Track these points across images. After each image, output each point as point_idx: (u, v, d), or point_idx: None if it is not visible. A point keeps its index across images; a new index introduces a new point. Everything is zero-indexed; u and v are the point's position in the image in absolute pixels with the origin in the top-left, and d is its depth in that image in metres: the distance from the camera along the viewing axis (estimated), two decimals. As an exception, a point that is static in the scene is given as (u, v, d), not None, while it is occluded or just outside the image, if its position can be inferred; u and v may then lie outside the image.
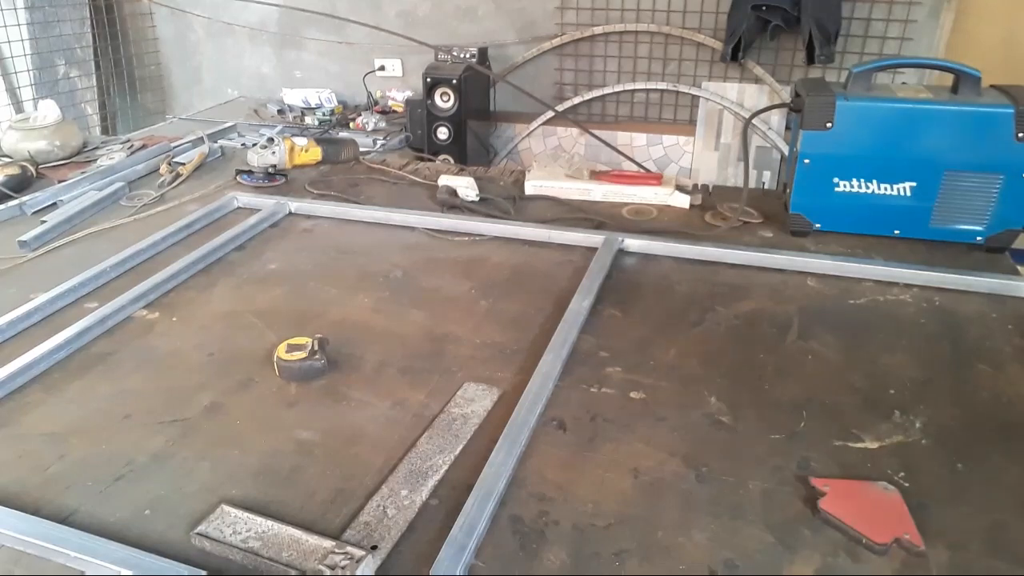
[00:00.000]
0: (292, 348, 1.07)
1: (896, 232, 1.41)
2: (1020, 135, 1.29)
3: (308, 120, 3.47)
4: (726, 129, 3.14)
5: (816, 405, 0.99)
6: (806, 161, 1.40)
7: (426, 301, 1.28)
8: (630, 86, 3.26)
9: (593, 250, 1.39)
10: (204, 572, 0.73)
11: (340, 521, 0.81)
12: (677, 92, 3.22)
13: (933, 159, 1.35)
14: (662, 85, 3.21)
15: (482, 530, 0.78)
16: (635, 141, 3.31)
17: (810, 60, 2.90)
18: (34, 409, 1.02)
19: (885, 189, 1.38)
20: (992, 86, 1.38)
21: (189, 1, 3.82)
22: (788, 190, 1.48)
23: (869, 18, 2.89)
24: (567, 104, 3.35)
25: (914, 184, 1.37)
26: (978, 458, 0.89)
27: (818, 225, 1.44)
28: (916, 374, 1.05)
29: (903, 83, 1.57)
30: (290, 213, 1.66)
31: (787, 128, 3.01)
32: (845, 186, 1.40)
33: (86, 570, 0.75)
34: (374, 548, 0.76)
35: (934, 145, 1.34)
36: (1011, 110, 1.30)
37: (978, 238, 1.38)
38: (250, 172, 1.80)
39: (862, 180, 1.39)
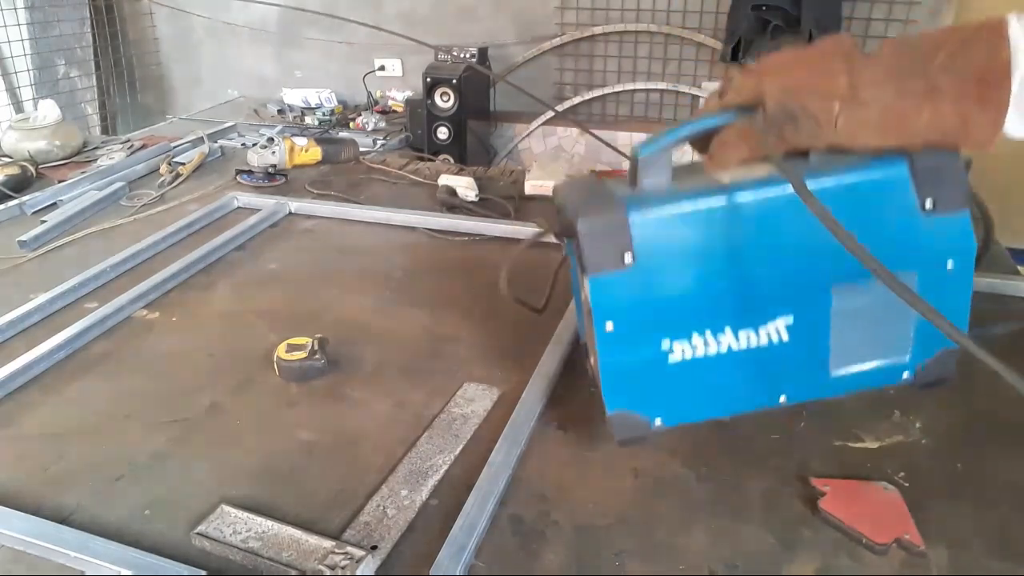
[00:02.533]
0: (292, 348, 1.07)
1: (783, 399, 0.88)
2: (927, 203, 0.77)
3: (308, 120, 3.48)
4: (726, 129, 3.14)
5: (816, 405, 0.99)
6: (608, 327, 0.79)
7: (426, 301, 1.28)
8: (630, 86, 3.26)
9: (593, 250, 1.39)
10: (204, 572, 0.73)
11: (340, 521, 0.81)
12: (677, 92, 3.22)
13: (809, 273, 0.80)
14: (662, 85, 3.21)
15: (482, 530, 0.78)
16: (635, 141, 3.30)
17: (810, 60, 2.90)
18: (34, 409, 1.02)
19: (747, 339, 0.81)
20: None
21: (189, 1, 3.82)
22: (595, 372, 0.87)
23: (869, 18, 2.89)
24: (567, 104, 3.35)
25: (790, 320, 0.81)
26: (978, 458, 0.89)
27: (659, 421, 0.87)
28: (916, 374, 1.05)
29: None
30: (290, 213, 1.66)
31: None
32: (683, 351, 0.81)
33: (86, 570, 0.75)
34: (374, 548, 0.76)
35: (805, 250, 0.79)
36: (904, 167, 0.76)
37: (905, 374, 0.86)
38: (250, 172, 1.80)
39: (707, 334, 0.80)
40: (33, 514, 0.82)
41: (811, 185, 0.73)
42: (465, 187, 1.67)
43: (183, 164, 1.93)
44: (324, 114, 3.46)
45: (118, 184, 1.79)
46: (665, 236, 0.78)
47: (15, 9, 3.41)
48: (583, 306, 0.86)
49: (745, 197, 0.78)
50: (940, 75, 0.70)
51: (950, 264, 0.80)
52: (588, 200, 0.81)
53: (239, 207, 1.69)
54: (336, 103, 3.58)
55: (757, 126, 0.75)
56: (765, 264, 0.80)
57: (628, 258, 0.78)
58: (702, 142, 0.81)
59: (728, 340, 0.82)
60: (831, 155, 0.76)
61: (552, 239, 0.89)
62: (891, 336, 0.84)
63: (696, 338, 0.81)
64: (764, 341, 0.82)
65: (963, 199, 0.77)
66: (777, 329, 0.82)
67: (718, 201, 0.78)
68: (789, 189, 0.75)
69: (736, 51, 2.93)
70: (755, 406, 0.87)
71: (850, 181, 0.77)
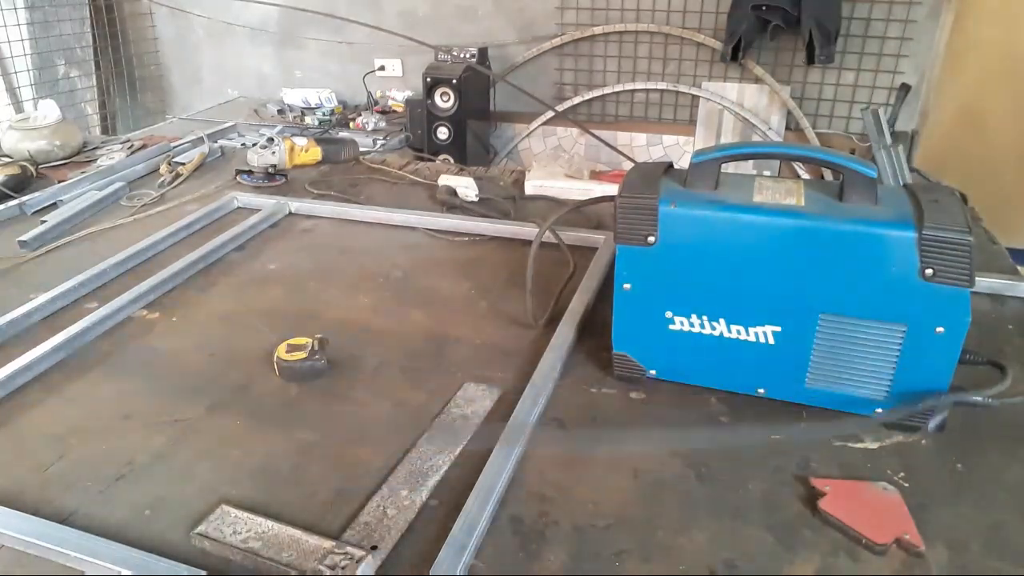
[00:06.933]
0: (292, 348, 1.07)
1: (760, 391, 0.98)
2: (927, 271, 0.84)
3: (308, 120, 3.47)
4: (726, 129, 3.14)
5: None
6: (625, 286, 0.97)
7: (426, 301, 1.28)
8: (630, 86, 3.26)
9: (593, 250, 1.39)
10: (204, 572, 0.73)
11: (340, 521, 0.81)
12: (677, 92, 3.22)
13: (803, 297, 0.90)
14: (662, 85, 3.22)
15: (482, 530, 0.78)
16: (635, 141, 3.31)
17: (810, 60, 2.91)
18: (34, 409, 1.02)
19: (738, 332, 0.95)
20: (905, 185, 0.94)
21: (189, 1, 3.82)
22: None
23: (869, 18, 2.89)
24: (567, 104, 3.35)
25: (778, 329, 0.93)
26: (978, 458, 0.89)
27: (652, 372, 1.02)
28: (916, 374, 1.05)
29: (766, 174, 0.99)
30: (290, 213, 1.66)
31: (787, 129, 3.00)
32: (682, 324, 0.97)
33: (86, 570, 0.75)
34: (374, 548, 0.76)
35: (804, 277, 0.90)
36: (911, 233, 0.83)
37: (877, 410, 0.93)
38: (250, 172, 1.80)
39: (704, 318, 0.95)
40: (33, 514, 0.82)
41: (825, 226, 0.86)
42: (465, 187, 1.67)
43: (183, 164, 1.93)
44: (324, 114, 3.46)
45: (118, 184, 1.79)
46: (685, 230, 0.92)
47: (15, 9, 3.41)
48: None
49: (758, 219, 0.89)
50: None
51: (940, 330, 0.86)
52: (635, 183, 0.95)
53: (239, 207, 1.69)
54: (336, 103, 3.58)
55: None
56: (763, 279, 0.91)
57: (651, 239, 0.93)
58: None
59: (721, 328, 0.95)
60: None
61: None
62: (869, 373, 0.92)
63: (695, 318, 0.96)
64: (752, 338, 0.95)
65: (966, 277, 0.83)
66: (765, 333, 0.94)
67: (735, 216, 0.90)
68: (796, 222, 0.87)
69: (736, 51, 2.93)
70: (735, 389, 1.00)
71: (859, 230, 0.85)
